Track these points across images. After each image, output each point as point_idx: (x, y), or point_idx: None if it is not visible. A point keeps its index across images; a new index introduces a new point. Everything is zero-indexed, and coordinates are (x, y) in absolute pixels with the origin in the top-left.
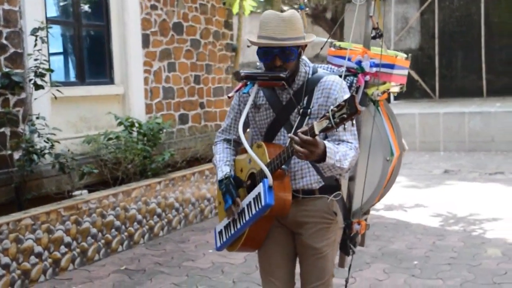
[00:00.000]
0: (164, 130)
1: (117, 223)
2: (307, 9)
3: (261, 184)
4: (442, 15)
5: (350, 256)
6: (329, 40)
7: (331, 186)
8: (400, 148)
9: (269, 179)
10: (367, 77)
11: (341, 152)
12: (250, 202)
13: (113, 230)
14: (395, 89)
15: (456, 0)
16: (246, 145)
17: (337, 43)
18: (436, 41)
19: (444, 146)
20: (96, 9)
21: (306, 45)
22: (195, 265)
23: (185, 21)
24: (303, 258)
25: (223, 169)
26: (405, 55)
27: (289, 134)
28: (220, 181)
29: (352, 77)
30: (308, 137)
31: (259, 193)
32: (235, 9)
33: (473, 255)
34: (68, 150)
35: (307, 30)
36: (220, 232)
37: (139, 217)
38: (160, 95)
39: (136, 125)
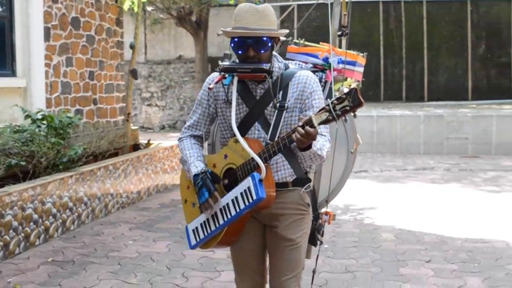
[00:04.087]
0: (73, 124)
1: (35, 216)
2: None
3: (249, 178)
4: (301, 24)
5: (317, 246)
6: (289, 38)
7: (302, 178)
8: (356, 141)
9: (263, 172)
10: (334, 73)
11: (320, 141)
12: (236, 197)
13: (31, 223)
14: (354, 85)
15: (313, 12)
16: (240, 138)
17: (301, 41)
18: None
19: None
20: None
21: (279, 39)
22: (122, 255)
23: (82, 17)
24: (276, 250)
25: (197, 164)
26: (362, 54)
27: (298, 125)
28: (196, 176)
29: (320, 73)
30: (312, 129)
31: (248, 187)
32: (126, 6)
33: (372, 238)
34: None
35: (171, 32)
36: (195, 230)
37: (54, 210)
38: (59, 90)
39: (48, 118)
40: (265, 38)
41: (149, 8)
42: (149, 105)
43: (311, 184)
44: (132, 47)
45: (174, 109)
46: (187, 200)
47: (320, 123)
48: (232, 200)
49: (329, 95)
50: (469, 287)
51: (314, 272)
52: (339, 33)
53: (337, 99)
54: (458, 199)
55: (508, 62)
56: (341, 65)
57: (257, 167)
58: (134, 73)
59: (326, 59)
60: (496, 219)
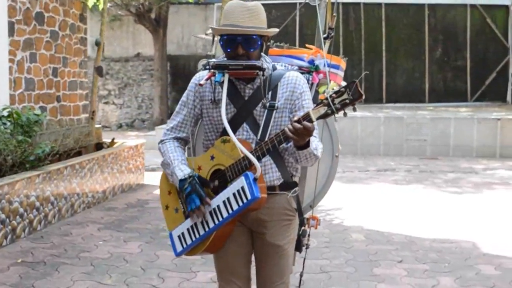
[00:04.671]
0: (40, 122)
1: (3, 216)
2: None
3: (242, 177)
4: None
5: (302, 252)
6: (269, 41)
7: (289, 183)
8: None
9: (258, 171)
10: (321, 76)
11: (315, 141)
12: (228, 198)
13: None
14: (336, 89)
15: (274, 11)
16: (232, 135)
17: (284, 44)
18: None
19: None
20: None
21: (268, 38)
22: (94, 256)
23: (46, 12)
24: (264, 257)
25: (182, 168)
26: (344, 58)
27: (294, 120)
28: (183, 181)
29: (307, 75)
30: (310, 124)
31: (242, 187)
32: (90, 3)
33: (343, 239)
34: None
35: (129, 29)
36: (181, 236)
37: (21, 210)
38: (23, 86)
39: (15, 115)
40: (254, 36)
41: (107, 5)
42: (106, 103)
43: (297, 188)
44: (97, 44)
45: (132, 107)
46: (168, 206)
47: (318, 118)
48: (224, 202)
49: (314, 98)
50: (442, 286)
51: (301, 275)
52: (325, 35)
53: (336, 92)
54: (422, 200)
55: (464, 65)
56: (326, 68)
57: (249, 167)
58: (99, 71)
59: (312, 62)
60: (461, 219)
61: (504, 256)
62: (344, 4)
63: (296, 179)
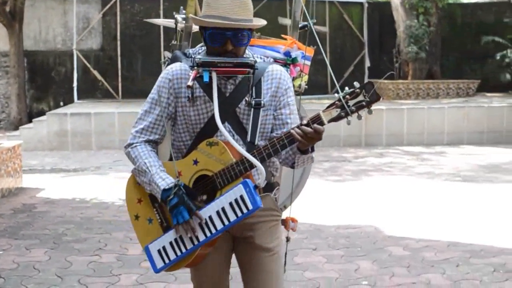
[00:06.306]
0: None
1: None
2: None
3: (240, 185)
4: (124, 18)
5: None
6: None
7: (271, 183)
8: None
9: (262, 176)
10: (297, 69)
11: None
12: (223, 208)
13: None
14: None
15: (137, 5)
16: (230, 139)
17: (256, 33)
18: (118, 43)
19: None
20: None
21: (253, 31)
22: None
23: None
24: (253, 264)
25: (163, 176)
26: (314, 46)
27: (302, 123)
28: (167, 191)
29: (285, 68)
30: (321, 127)
31: (240, 196)
32: None
33: None
34: None
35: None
36: (162, 251)
37: None
38: None
39: None
40: (246, 31)
41: None
42: None
43: (278, 188)
44: None
45: None
46: (138, 215)
47: (330, 121)
48: (218, 212)
49: None
50: (364, 269)
51: None
52: (301, 25)
53: (350, 93)
54: (310, 189)
55: (323, 59)
56: (303, 60)
57: (244, 173)
58: None
59: (288, 53)
60: (354, 205)
61: (407, 237)
62: None
63: (275, 179)
